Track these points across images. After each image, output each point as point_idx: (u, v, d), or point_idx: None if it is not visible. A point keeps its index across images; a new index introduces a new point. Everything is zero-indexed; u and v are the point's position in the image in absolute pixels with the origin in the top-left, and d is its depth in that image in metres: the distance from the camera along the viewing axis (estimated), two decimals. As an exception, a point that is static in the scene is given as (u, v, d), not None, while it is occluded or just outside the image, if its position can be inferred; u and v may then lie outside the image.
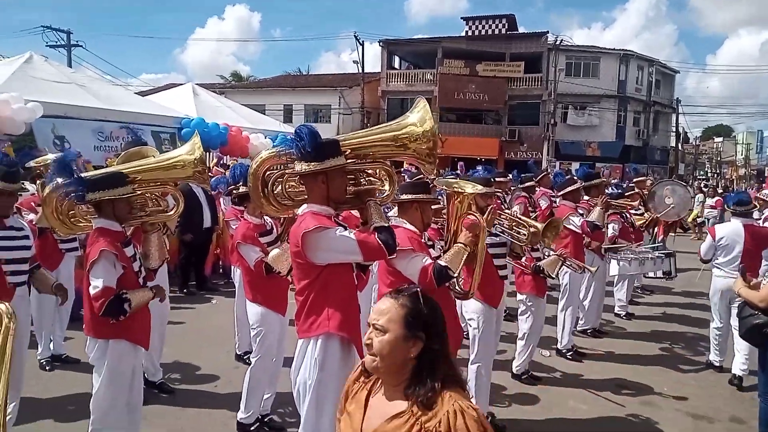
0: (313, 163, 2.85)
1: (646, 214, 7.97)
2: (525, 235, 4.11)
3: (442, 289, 3.40)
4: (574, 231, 5.90)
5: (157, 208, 3.68)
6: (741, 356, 5.53)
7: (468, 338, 4.94)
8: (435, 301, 1.80)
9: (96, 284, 3.20)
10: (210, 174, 9.33)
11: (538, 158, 27.94)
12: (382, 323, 1.70)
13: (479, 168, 5.87)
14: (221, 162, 12.54)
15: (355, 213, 4.15)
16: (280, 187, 3.12)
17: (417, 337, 1.68)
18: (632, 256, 6.73)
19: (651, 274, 7.19)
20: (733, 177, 42.32)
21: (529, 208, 7.89)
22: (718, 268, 5.78)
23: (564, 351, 6.22)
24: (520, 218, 4.31)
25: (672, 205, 7.55)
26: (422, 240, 3.54)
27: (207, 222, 8.31)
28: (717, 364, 5.99)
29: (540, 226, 4.11)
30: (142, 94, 15.50)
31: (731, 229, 5.73)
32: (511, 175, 9.20)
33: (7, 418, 2.56)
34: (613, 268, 6.78)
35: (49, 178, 3.75)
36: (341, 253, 2.88)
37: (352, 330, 2.97)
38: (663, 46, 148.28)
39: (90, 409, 3.40)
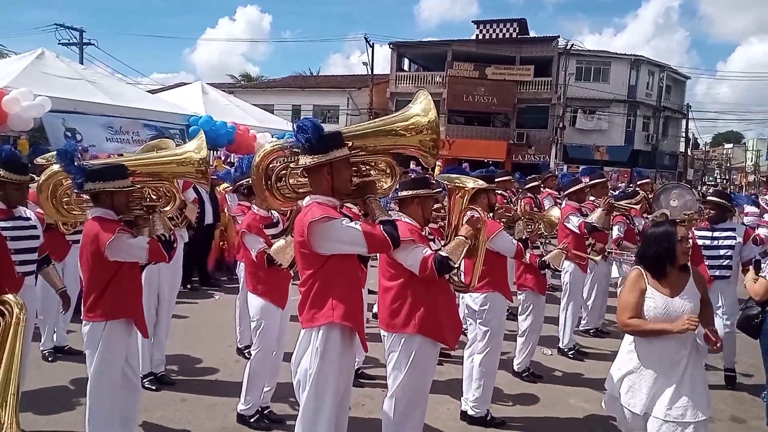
0: (317, 156, 2.87)
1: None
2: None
3: (443, 282, 3.41)
4: (574, 231, 5.90)
5: (154, 203, 3.65)
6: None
7: (465, 335, 4.95)
8: None
9: (140, 243, 3.34)
10: (214, 169, 9.42)
11: (546, 161, 27.91)
12: None
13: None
14: (227, 161, 12.61)
15: (354, 208, 4.21)
16: (283, 179, 3.11)
17: None
18: (634, 259, 6.66)
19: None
20: (743, 183, 41.98)
21: (534, 209, 7.89)
22: None
23: (566, 350, 6.22)
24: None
25: (676, 208, 7.50)
26: (423, 233, 3.55)
27: (209, 218, 8.35)
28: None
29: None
30: (152, 92, 15.59)
31: None
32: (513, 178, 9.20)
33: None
34: (614, 270, 6.70)
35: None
36: (347, 245, 2.89)
37: (356, 320, 2.98)
38: (674, 52, 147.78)
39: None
